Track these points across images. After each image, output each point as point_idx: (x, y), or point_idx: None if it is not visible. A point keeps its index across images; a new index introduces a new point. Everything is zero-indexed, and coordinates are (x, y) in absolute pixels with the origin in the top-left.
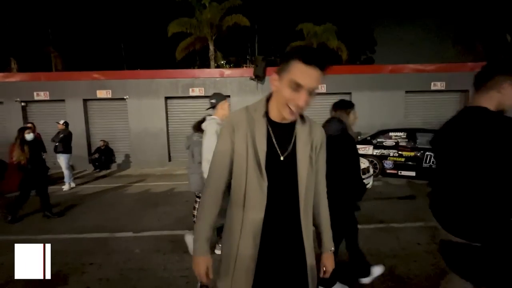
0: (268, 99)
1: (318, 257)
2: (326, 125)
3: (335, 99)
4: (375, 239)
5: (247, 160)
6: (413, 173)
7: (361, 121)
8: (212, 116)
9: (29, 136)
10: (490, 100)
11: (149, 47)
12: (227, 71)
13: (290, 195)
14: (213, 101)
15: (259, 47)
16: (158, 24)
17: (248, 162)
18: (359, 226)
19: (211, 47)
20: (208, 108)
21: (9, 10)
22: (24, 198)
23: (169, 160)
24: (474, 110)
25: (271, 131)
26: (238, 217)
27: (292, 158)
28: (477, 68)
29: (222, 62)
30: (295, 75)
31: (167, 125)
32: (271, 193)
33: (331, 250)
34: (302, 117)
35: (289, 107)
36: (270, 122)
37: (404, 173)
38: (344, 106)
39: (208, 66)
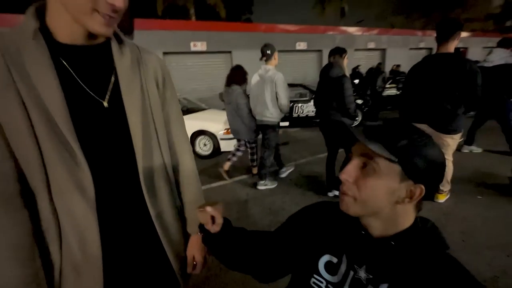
0: (39, 8)
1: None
2: (327, 69)
3: (215, 58)
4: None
5: (32, 125)
6: (286, 123)
7: None
8: (268, 66)
9: None
10: (453, 47)
11: None
12: None
13: (125, 161)
14: (268, 51)
15: None
16: None
17: (36, 130)
18: (244, 176)
19: None
20: (262, 58)
21: None
22: None
23: None
24: (451, 54)
25: (64, 63)
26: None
27: (119, 102)
28: (327, 31)
29: None
30: None
31: None
32: (96, 171)
33: (198, 233)
34: (117, 35)
35: (101, 14)
36: (57, 47)
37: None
38: (339, 51)
39: None
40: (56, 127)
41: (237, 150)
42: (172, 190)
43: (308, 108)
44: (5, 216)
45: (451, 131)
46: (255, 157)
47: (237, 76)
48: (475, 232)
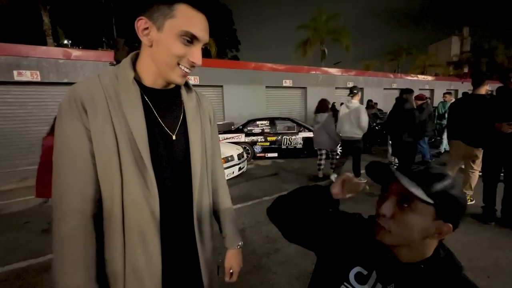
0: (133, 60)
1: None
2: (402, 103)
3: (207, 91)
4: (254, 213)
5: (119, 151)
6: (275, 154)
7: (233, 112)
8: (354, 101)
9: None
10: (483, 90)
11: None
12: (76, 52)
13: (183, 186)
14: (355, 91)
15: (117, 29)
16: None
17: (122, 155)
18: (238, 206)
19: (46, 19)
20: (350, 95)
21: None
22: None
23: None
24: (478, 95)
25: (149, 102)
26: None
27: (184, 136)
28: (311, 70)
29: (66, 41)
30: (187, 24)
31: None
32: (163, 193)
33: (238, 246)
34: (186, 83)
35: (181, 67)
36: (144, 90)
37: (269, 155)
38: (409, 91)
39: (43, 44)
40: (137, 153)
41: (320, 159)
42: (210, 211)
43: (296, 140)
44: (81, 232)
45: (479, 145)
46: (334, 161)
47: (323, 106)
48: (457, 256)
